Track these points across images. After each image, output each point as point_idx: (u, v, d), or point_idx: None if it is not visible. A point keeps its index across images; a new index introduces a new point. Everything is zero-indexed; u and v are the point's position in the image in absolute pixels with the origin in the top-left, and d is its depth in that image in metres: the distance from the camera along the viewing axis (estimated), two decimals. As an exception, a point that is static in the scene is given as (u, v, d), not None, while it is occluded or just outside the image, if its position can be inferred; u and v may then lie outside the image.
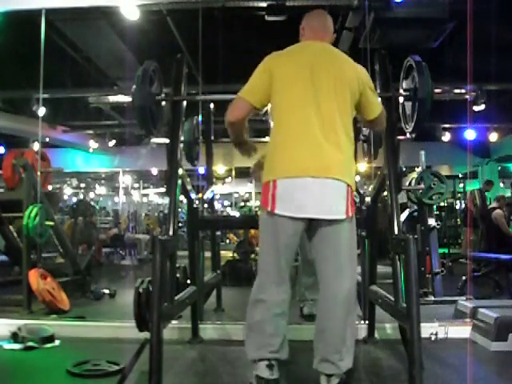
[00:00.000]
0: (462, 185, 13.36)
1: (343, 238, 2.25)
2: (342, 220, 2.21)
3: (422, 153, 5.46)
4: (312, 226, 2.24)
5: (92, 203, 12.66)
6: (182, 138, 3.02)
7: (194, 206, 3.45)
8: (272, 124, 2.35)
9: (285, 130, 2.25)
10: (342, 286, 2.22)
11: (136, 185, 17.72)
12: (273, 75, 2.28)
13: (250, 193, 17.44)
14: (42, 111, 6.42)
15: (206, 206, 3.89)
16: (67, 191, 17.04)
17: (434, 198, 5.05)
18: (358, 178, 4.44)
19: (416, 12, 4.71)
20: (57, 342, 3.27)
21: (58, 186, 14.48)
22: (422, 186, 4.92)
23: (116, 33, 6.05)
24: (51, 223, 4.78)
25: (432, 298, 4.77)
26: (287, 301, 2.30)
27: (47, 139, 9.68)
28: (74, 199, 16.31)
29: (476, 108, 7.63)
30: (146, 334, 2.47)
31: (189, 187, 3.33)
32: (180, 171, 2.91)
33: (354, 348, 2.24)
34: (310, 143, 2.18)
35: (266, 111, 2.70)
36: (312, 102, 2.22)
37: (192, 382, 2.59)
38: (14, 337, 3.21)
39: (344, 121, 2.25)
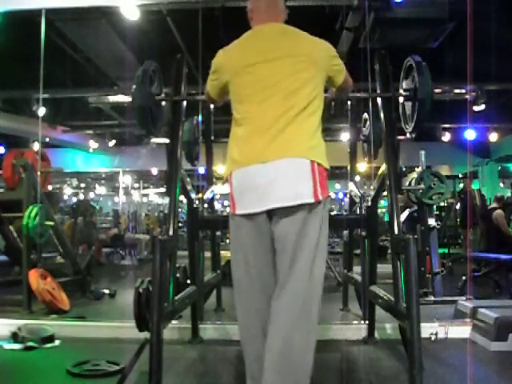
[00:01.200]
0: (462, 185, 13.35)
1: (311, 229, 1.88)
2: (309, 205, 1.86)
3: (422, 153, 5.45)
4: (272, 219, 1.90)
5: (92, 203, 12.66)
6: (181, 138, 3.02)
7: (194, 206, 3.45)
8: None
9: (240, 120, 2.03)
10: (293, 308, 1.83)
11: (136, 185, 17.71)
12: (222, 73, 2.12)
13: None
14: (42, 111, 6.43)
15: (205, 205, 3.89)
16: (67, 191, 17.04)
17: (433, 197, 5.05)
18: (358, 178, 4.44)
19: (416, 12, 4.71)
20: (57, 342, 3.27)
21: (58, 185, 14.48)
22: (422, 186, 4.92)
23: (116, 33, 6.05)
24: (51, 223, 4.78)
25: (432, 298, 4.77)
26: None
27: (47, 139, 9.67)
28: (74, 199, 16.31)
29: (476, 108, 7.62)
30: (146, 334, 2.47)
31: (189, 187, 3.34)
32: (180, 171, 2.91)
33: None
34: (263, 130, 1.93)
35: None
36: (267, 89, 1.98)
37: (192, 382, 2.59)
38: (14, 337, 3.22)
39: (307, 98, 1.97)
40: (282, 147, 1.89)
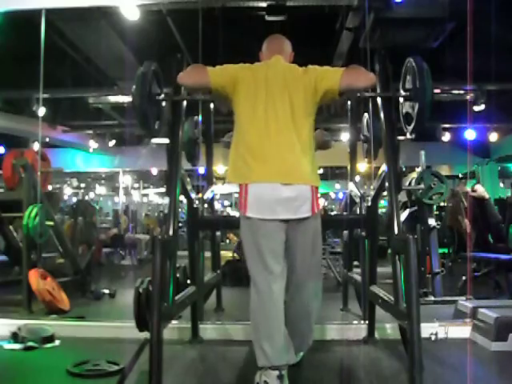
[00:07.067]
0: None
1: (309, 232, 2.48)
2: (308, 217, 2.42)
3: (422, 153, 5.45)
4: (285, 226, 2.42)
5: (92, 203, 12.64)
6: (181, 138, 3.02)
7: (194, 206, 3.45)
8: (236, 131, 2.50)
9: (249, 138, 2.40)
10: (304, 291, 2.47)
11: (136, 185, 17.70)
12: (237, 84, 2.43)
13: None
14: (41, 111, 6.42)
15: (205, 205, 3.89)
16: (67, 191, 17.01)
17: (434, 198, 5.05)
18: (358, 178, 4.44)
19: (416, 12, 4.72)
20: (57, 342, 3.27)
21: (58, 185, 14.46)
22: (422, 186, 4.92)
23: (116, 33, 6.05)
24: (51, 223, 4.78)
25: (432, 298, 4.77)
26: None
27: (47, 139, 9.67)
28: (74, 199, 16.30)
29: (476, 108, 7.62)
30: (146, 334, 2.47)
31: (189, 187, 3.34)
32: (180, 171, 2.91)
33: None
34: (275, 152, 2.36)
35: None
36: (271, 114, 2.39)
37: (192, 382, 2.59)
38: (14, 337, 3.22)
39: (302, 125, 2.42)
40: (297, 175, 2.38)
